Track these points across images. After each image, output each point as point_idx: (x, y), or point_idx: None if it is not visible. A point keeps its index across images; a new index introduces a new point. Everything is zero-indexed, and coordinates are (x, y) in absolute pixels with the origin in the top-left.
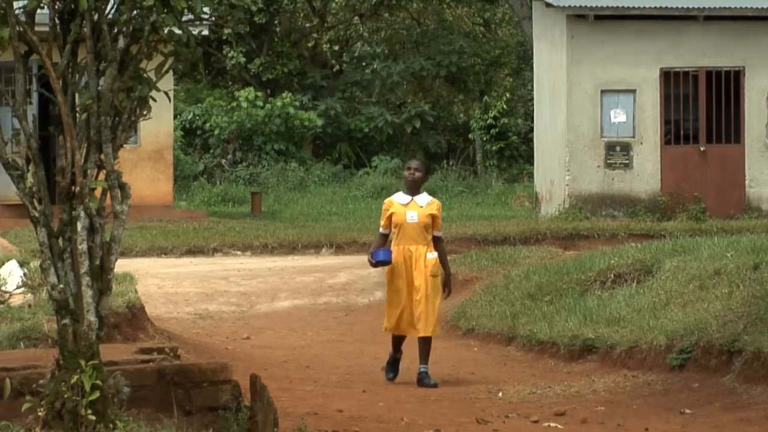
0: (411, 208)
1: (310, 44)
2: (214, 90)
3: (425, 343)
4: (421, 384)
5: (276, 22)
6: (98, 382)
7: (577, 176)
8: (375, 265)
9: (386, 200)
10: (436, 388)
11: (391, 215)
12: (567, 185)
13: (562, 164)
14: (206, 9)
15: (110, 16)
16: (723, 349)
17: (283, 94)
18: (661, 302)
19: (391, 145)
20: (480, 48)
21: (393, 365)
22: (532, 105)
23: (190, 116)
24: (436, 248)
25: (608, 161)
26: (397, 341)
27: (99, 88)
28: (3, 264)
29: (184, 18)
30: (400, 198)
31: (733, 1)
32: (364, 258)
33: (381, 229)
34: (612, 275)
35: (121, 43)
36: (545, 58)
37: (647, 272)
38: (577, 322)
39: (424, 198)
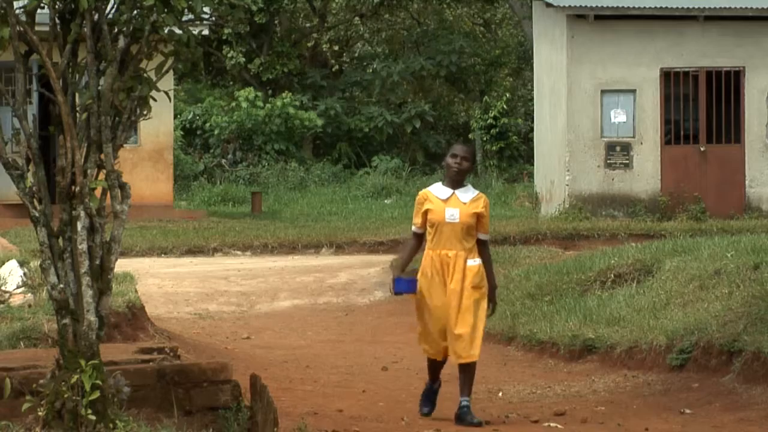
0: (452, 204)
1: (310, 44)
2: (214, 90)
3: (467, 370)
4: (461, 421)
5: (276, 22)
6: (98, 381)
7: (577, 176)
8: (396, 293)
9: (421, 192)
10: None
11: (426, 212)
12: (567, 185)
13: (562, 164)
14: (206, 9)
15: (110, 15)
16: (723, 349)
17: (283, 94)
18: (661, 302)
19: (391, 145)
20: (480, 48)
21: (429, 397)
22: (533, 105)
23: (190, 116)
24: (481, 254)
25: (608, 161)
26: (435, 367)
27: (99, 87)
28: (3, 264)
29: (185, 18)
30: (438, 191)
31: (734, 1)
32: (365, 257)
33: (414, 228)
34: (612, 275)
35: (122, 42)
36: (545, 58)
37: (647, 272)
38: (578, 322)
39: (468, 192)
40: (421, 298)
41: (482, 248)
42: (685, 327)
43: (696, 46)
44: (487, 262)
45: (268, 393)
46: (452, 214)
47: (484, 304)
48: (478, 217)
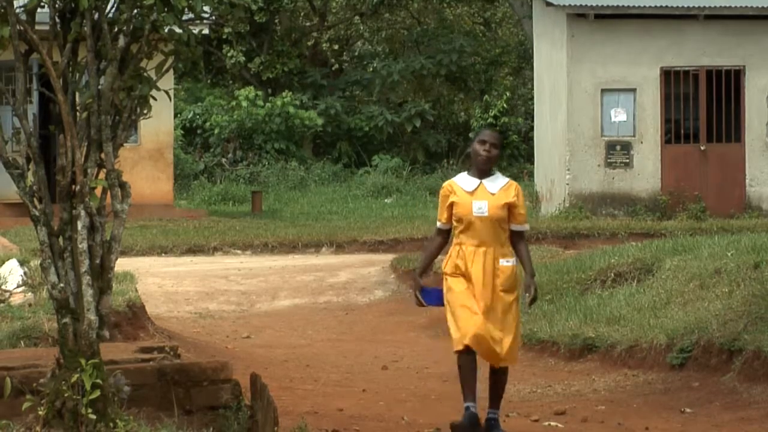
0: (479, 196)
1: (310, 43)
2: (214, 89)
3: (498, 377)
4: None
5: (276, 21)
6: (99, 381)
7: (578, 175)
8: (422, 304)
9: (445, 184)
10: (438, 389)
11: (451, 205)
12: (567, 184)
13: (562, 163)
14: (206, 8)
15: (110, 15)
16: (723, 348)
17: (284, 93)
18: (662, 301)
19: (391, 144)
20: (480, 47)
21: (471, 425)
22: (533, 104)
23: (190, 115)
24: (516, 248)
25: (608, 160)
26: (469, 367)
27: (99, 87)
28: (3, 263)
29: (185, 17)
30: (464, 182)
31: (734, 0)
32: (365, 257)
33: (439, 224)
34: (612, 274)
35: (122, 42)
36: (545, 57)
37: (647, 271)
38: (578, 321)
39: (497, 181)
40: (450, 297)
41: (517, 241)
42: (685, 326)
43: (696, 45)
44: (523, 253)
45: (269, 392)
46: (480, 208)
47: (517, 307)
48: (510, 207)
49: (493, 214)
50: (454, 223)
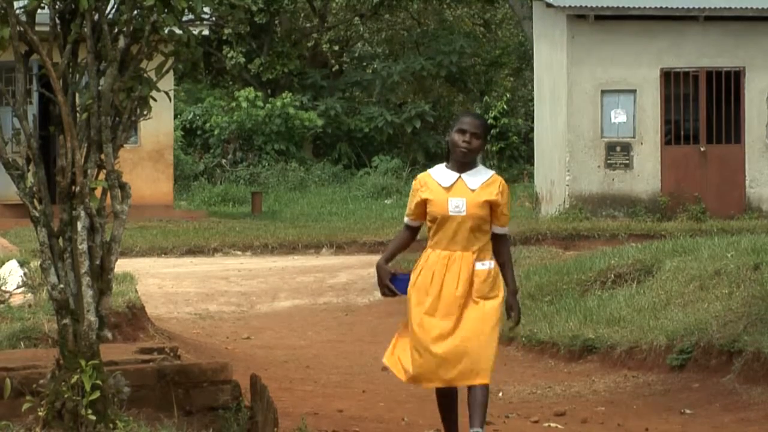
0: (456, 193)
1: (310, 44)
2: (214, 90)
3: (476, 394)
4: None
5: (276, 22)
6: (98, 381)
7: (578, 176)
8: (395, 293)
9: (419, 176)
10: None
11: (424, 202)
12: (567, 185)
13: (562, 164)
14: (207, 9)
15: (111, 16)
16: (723, 350)
17: (283, 94)
18: (662, 302)
19: (391, 145)
20: (480, 48)
21: None
22: (533, 105)
23: (190, 116)
24: (498, 252)
25: (608, 161)
26: (447, 401)
27: (99, 88)
28: (3, 264)
29: (185, 18)
30: (440, 175)
31: (734, 1)
32: (365, 258)
33: (407, 219)
34: (612, 275)
35: (122, 43)
36: (545, 58)
37: (647, 272)
38: (578, 323)
39: (478, 175)
40: (411, 309)
41: (499, 245)
42: (685, 327)
43: (696, 47)
44: (505, 262)
45: (268, 393)
46: (457, 206)
47: (495, 316)
48: (492, 206)
49: (472, 214)
50: (428, 223)
